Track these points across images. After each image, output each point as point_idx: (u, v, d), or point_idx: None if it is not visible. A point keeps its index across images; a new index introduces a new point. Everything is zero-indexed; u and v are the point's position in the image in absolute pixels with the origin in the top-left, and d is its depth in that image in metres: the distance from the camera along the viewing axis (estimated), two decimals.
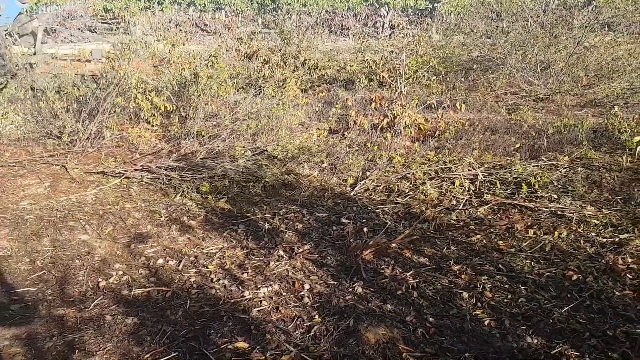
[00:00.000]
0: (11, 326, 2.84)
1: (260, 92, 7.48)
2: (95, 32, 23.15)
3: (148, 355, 2.66)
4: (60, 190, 4.75)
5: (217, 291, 3.26)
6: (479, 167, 5.06)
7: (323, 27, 18.33)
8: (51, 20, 22.46)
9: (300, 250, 3.77)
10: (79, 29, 22.53)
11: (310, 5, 25.87)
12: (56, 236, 3.89)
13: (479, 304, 3.11)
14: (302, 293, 3.24)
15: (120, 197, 4.66)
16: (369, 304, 3.10)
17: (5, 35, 10.46)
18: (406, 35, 7.69)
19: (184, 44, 7.73)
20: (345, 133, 6.48)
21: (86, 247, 3.77)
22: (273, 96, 6.87)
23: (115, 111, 6.05)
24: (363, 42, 10.63)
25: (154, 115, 6.06)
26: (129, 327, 2.89)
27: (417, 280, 3.35)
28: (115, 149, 5.82)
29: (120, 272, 3.44)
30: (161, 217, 4.28)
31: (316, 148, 5.76)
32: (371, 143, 6.03)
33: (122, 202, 4.55)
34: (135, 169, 5.10)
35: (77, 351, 2.67)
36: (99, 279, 3.35)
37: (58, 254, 3.63)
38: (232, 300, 3.15)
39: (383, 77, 7.27)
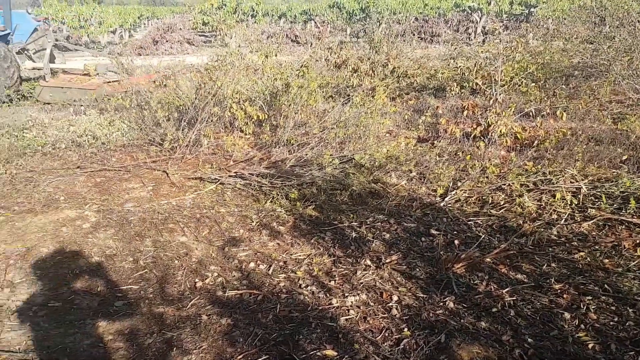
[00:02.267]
0: (115, 321, 3.04)
1: (348, 100, 7.52)
2: (193, 45, 24.54)
3: (240, 356, 2.74)
4: (161, 194, 5.04)
5: (306, 297, 3.29)
6: (582, 180, 4.72)
7: (413, 34, 18.13)
8: (153, 32, 24.09)
9: (388, 260, 3.72)
10: (179, 41, 24.00)
11: (400, 13, 25.71)
12: (157, 237, 4.13)
13: (582, 325, 2.89)
14: (391, 304, 3.19)
15: (216, 201, 4.87)
16: (462, 320, 2.98)
17: (19, 50, 11.34)
18: (501, 40, 7.37)
19: (276, 55, 7.93)
20: (435, 142, 6.33)
21: (184, 248, 3.97)
22: (361, 104, 6.89)
23: (212, 120, 6.35)
24: (455, 48, 10.36)
25: (247, 124, 6.27)
26: (223, 328, 2.99)
27: (515, 298, 3.18)
28: (211, 156, 6.09)
29: (215, 274, 3.58)
30: (253, 222, 4.42)
31: (404, 157, 5.68)
32: (463, 152, 5.84)
33: (217, 206, 4.75)
34: (230, 175, 5.31)
35: (174, 349, 2.81)
36: (196, 280, 3.51)
37: (159, 254, 3.85)
38: (320, 307, 3.17)
39: (476, 84, 7.02)
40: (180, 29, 26.35)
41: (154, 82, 9.63)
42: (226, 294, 3.32)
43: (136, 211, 4.62)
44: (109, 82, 9.90)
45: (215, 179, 5.26)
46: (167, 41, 23.91)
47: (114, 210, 4.64)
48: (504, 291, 3.25)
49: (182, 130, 6.17)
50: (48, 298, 3.24)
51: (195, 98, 6.60)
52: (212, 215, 4.55)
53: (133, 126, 7.05)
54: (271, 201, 4.78)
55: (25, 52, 11.42)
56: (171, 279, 3.53)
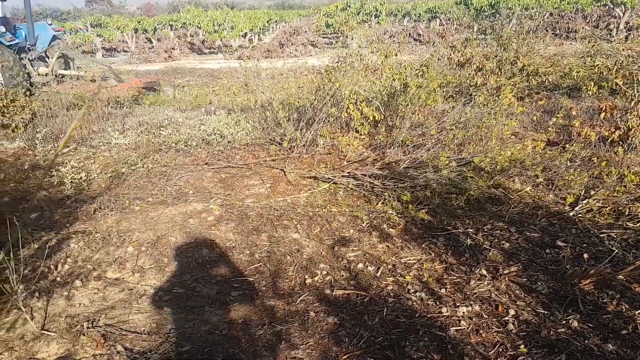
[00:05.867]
0: (230, 311, 3.21)
1: (470, 100, 7.21)
2: (317, 47, 25.22)
3: (345, 356, 2.75)
4: (278, 192, 5.24)
5: (414, 303, 3.21)
6: None
7: (546, 30, 16.95)
8: (280, 35, 25.15)
9: (506, 271, 3.50)
10: (303, 44, 24.80)
11: (533, 9, 24.16)
12: (272, 233, 4.29)
13: None
14: (506, 318, 3.00)
15: (328, 201, 4.94)
16: (586, 341, 2.71)
17: (35, 58, 12.58)
18: None
19: (396, 55, 7.84)
20: (567, 145, 5.84)
21: (297, 245, 4.07)
22: (484, 104, 6.56)
23: (329, 121, 6.45)
24: (593, 45, 9.48)
25: (363, 124, 6.28)
26: (330, 326, 3.02)
27: None
28: (326, 156, 6.20)
29: (324, 272, 3.63)
30: (363, 222, 4.41)
31: (530, 161, 5.30)
32: (598, 158, 5.31)
33: (329, 205, 4.82)
34: (343, 176, 5.36)
35: (283, 342, 2.89)
36: (306, 276, 3.58)
37: (273, 249, 4.00)
38: (428, 315, 3.07)
39: (616, 84, 6.34)
40: (306, 31, 27.26)
41: (143, 87, 10.49)
42: (334, 293, 3.35)
43: (255, 207, 4.84)
44: (108, 87, 10.86)
45: (329, 178, 5.34)
46: (292, 44, 24.84)
47: (235, 205, 4.90)
48: (636, 312, 2.90)
49: (300, 130, 6.35)
50: (173, 284, 3.52)
51: (315, 99, 6.76)
52: (324, 214, 4.63)
53: (256, 126, 7.40)
54: (382, 203, 4.73)
55: (46, 58, 12.96)
56: (283, 273, 3.64)
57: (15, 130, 7.49)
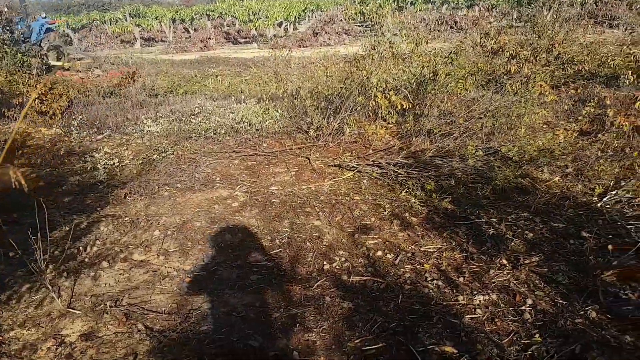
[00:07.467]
0: (249, 294, 3.28)
1: (501, 88, 7.07)
2: (351, 35, 25.09)
3: (358, 340, 2.79)
4: (302, 179, 5.28)
5: (430, 291, 3.21)
6: None
7: (587, 18, 16.36)
8: (315, 24, 25.10)
9: (527, 261, 3.46)
10: (337, 32, 24.71)
11: None
12: (294, 219, 4.35)
13: None
14: (523, 308, 2.97)
15: (352, 189, 4.96)
16: (603, 332, 2.67)
17: (29, 49, 13.77)
18: None
19: (427, 43, 7.74)
20: (599, 135, 5.67)
21: (317, 232, 4.12)
22: (515, 93, 6.42)
23: (356, 109, 6.45)
24: (631, 33, 9.12)
25: (390, 113, 6.24)
26: (344, 311, 3.05)
27: None
28: (352, 144, 6.21)
29: (343, 259, 3.67)
30: (385, 211, 4.41)
31: (560, 150, 5.18)
32: (631, 148, 5.15)
33: (352, 194, 4.84)
34: (367, 164, 5.36)
35: (298, 325, 2.95)
36: (324, 263, 3.63)
37: (294, 236, 4.05)
38: (444, 303, 3.08)
39: None
40: (341, 20, 27.13)
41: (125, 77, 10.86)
42: (350, 279, 3.39)
43: (279, 194, 4.91)
44: (93, 77, 11.34)
45: (353, 167, 5.35)
46: (326, 33, 24.78)
47: (259, 192, 4.98)
48: None
49: (327, 118, 6.37)
50: (195, 267, 3.62)
51: (342, 87, 6.75)
52: (347, 202, 4.65)
53: (284, 114, 7.46)
54: (406, 191, 4.72)
55: (40, 49, 13.98)
56: (302, 259, 3.69)
57: (53, 117, 7.79)
